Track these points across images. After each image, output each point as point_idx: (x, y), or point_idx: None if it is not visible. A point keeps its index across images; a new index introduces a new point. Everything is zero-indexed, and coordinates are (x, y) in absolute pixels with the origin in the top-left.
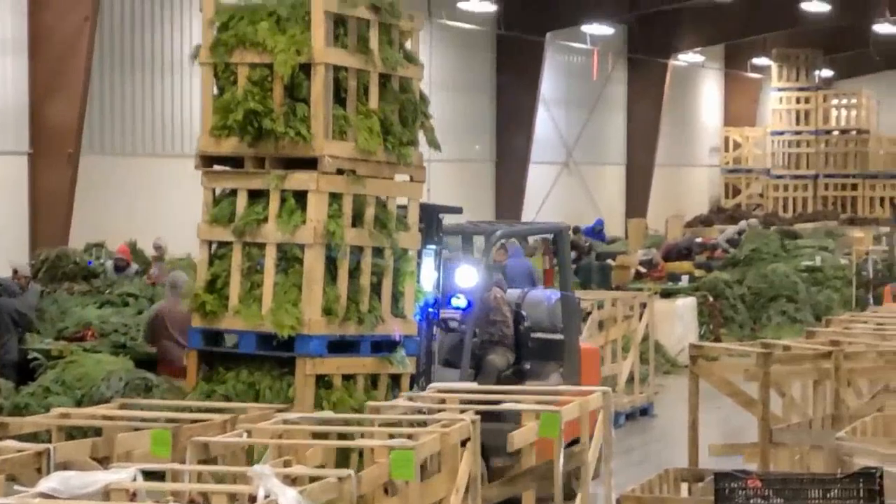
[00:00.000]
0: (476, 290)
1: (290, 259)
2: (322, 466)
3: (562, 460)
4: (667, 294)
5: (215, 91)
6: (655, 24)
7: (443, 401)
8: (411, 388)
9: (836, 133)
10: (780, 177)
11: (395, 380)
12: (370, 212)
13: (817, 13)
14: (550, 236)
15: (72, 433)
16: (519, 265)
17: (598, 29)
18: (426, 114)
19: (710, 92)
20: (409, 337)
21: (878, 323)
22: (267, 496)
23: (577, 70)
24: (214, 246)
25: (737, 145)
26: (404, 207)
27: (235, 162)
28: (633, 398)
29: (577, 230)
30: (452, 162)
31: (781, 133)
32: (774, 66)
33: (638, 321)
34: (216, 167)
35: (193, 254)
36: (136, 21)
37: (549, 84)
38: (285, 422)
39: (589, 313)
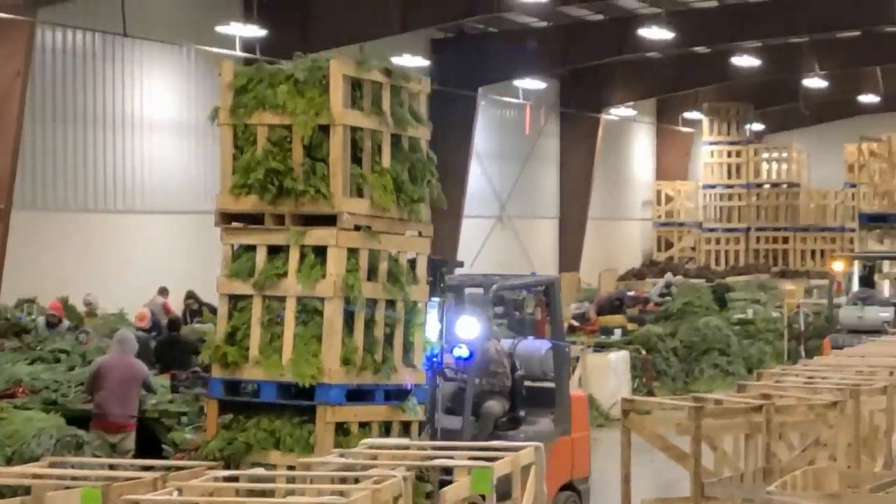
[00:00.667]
0: (477, 341)
1: (309, 311)
2: None
3: None
4: (600, 347)
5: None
6: (587, 79)
7: (375, 457)
8: (419, 434)
9: (767, 186)
10: (712, 230)
11: (405, 426)
12: (384, 266)
13: (748, 68)
14: (542, 289)
15: (1, 492)
16: None
17: (530, 83)
18: (433, 172)
19: (642, 145)
20: (419, 385)
21: (809, 376)
22: None
23: (509, 124)
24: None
25: (669, 199)
26: (411, 261)
27: (254, 219)
28: None
29: None
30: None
31: (713, 186)
32: (706, 120)
33: (571, 375)
34: (234, 224)
35: (126, 308)
36: (69, 77)
37: (482, 138)
38: (216, 479)
39: None
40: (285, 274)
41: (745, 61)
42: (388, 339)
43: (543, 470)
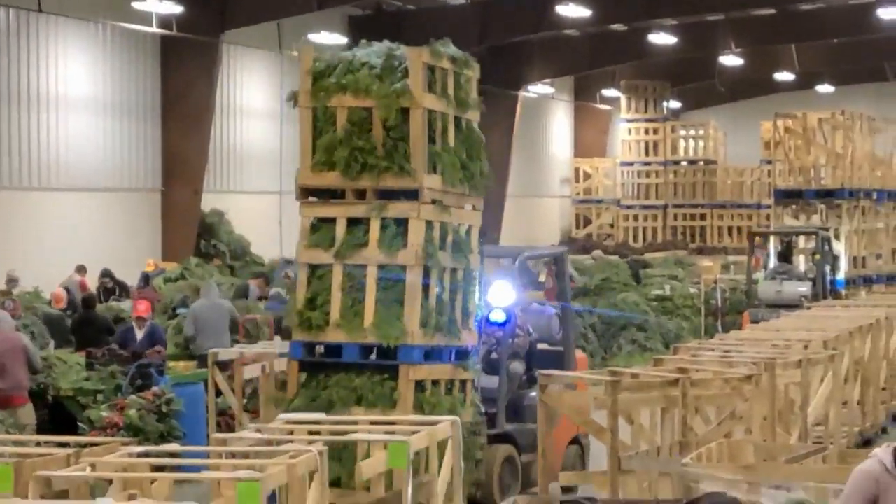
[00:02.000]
0: (511, 306)
1: (389, 278)
2: (168, 500)
3: (410, 490)
4: None
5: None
6: (505, 56)
7: (291, 432)
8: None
9: (684, 164)
10: (629, 207)
11: (462, 384)
12: (450, 237)
13: (664, 46)
14: (553, 259)
15: None
16: None
17: None
18: (483, 150)
19: (560, 123)
20: (474, 347)
21: (725, 350)
22: None
23: None
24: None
25: (587, 176)
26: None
27: (332, 194)
28: None
29: None
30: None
31: (631, 164)
32: (623, 98)
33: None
34: (310, 199)
35: (42, 286)
36: None
37: None
38: (130, 455)
39: None
40: (366, 244)
41: (661, 39)
42: (452, 304)
43: (460, 444)
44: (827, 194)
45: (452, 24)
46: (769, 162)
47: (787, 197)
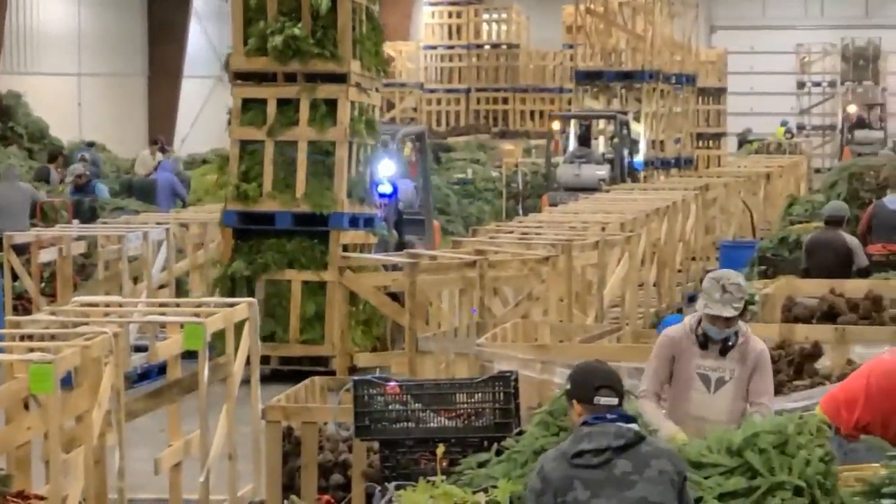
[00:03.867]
0: (395, 178)
1: (319, 153)
2: None
3: (207, 371)
4: None
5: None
6: None
7: (86, 314)
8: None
9: (487, 47)
10: (433, 91)
11: (369, 248)
12: (365, 117)
13: None
14: (415, 137)
15: None
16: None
17: None
18: (382, 38)
19: None
20: (378, 215)
21: (524, 233)
22: None
23: None
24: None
25: (390, 59)
26: None
27: (260, 77)
28: None
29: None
30: (103, 76)
31: (434, 47)
32: None
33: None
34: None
35: None
36: None
37: None
38: None
39: None
40: (296, 122)
41: None
42: (364, 177)
43: (257, 325)
44: (626, 76)
45: None
46: (571, 46)
47: (587, 79)
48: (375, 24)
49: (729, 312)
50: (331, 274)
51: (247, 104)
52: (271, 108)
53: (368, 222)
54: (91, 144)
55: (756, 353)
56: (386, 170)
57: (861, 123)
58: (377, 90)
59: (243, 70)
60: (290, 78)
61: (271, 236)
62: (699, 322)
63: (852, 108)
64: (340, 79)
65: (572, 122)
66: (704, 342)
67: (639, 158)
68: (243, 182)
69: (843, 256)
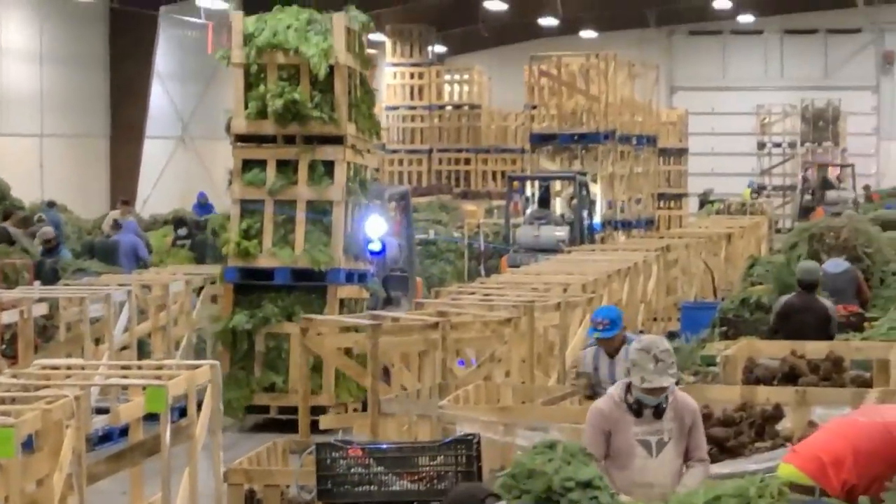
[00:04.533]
0: (384, 237)
1: (317, 212)
2: None
3: (169, 434)
4: None
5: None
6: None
7: (48, 377)
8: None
9: (449, 108)
10: (395, 151)
11: (363, 303)
12: (359, 177)
13: None
14: (399, 196)
15: None
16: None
17: (212, 3)
18: (374, 103)
19: None
20: (370, 271)
21: (486, 294)
22: None
23: (192, 44)
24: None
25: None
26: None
27: (260, 139)
28: None
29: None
30: (66, 137)
31: (396, 108)
32: (389, 42)
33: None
34: (240, 144)
35: None
36: None
37: (164, 58)
38: None
39: (202, 288)
40: (295, 182)
41: None
42: (358, 234)
43: (220, 387)
44: (581, 138)
45: None
46: (534, 107)
47: (542, 141)
48: (368, 89)
49: (667, 381)
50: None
51: (246, 164)
52: (271, 169)
53: (362, 278)
54: (52, 204)
55: (691, 409)
56: (376, 228)
57: (828, 184)
58: (370, 151)
59: (244, 132)
60: (289, 140)
61: (271, 291)
62: (627, 390)
63: (815, 170)
64: (337, 141)
65: (529, 182)
66: (638, 409)
67: (597, 219)
68: (244, 239)
69: (823, 322)
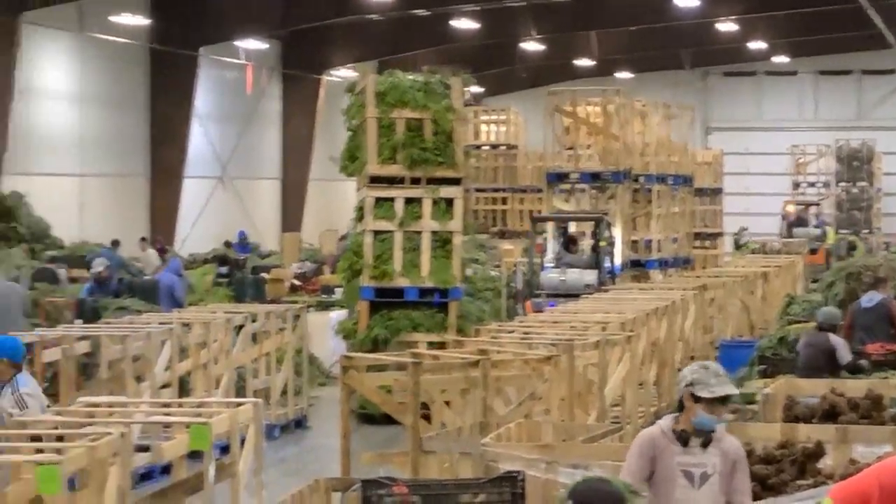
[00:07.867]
0: None
1: (439, 241)
2: None
3: (213, 472)
4: (322, 307)
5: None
6: (308, 40)
7: (91, 415)
8: None
9: (486, 148)
10: None
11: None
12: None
13: (466, 31)
14: None
15: None
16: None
17: (251, 44)
18: None
19: None
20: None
21: (525, 332)
22: None
23: (231, 85)
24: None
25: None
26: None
27: (389, 181)
28: (287, 410)
29: (227, 244)
30: (105, 177)
31: None
32: None
33: (291, 333)
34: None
35: None
36: None
37: (203, 99)
38: None
39: (241, 326)
40: (420, 216)
41: (463, 24)
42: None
43: (262, 426)
44: (595, 177)
45: (256, 7)
46: (571, 148)
47: (557, 180)
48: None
49: (732, 389)
50: (449, 335)
51: (377, 203)
52: (399, 205)
53: (469, 296)
54: (116, 243)
55: (735, 448)
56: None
57: (801, 222)
58: (467, 190)
59: (379, 175)
60: (415, 181)
61: (398, 307)
62: (675, 420)
63: (790, 208)
64: (455, 182)
65: (550, 224)
66: (686, 439)
67: (617, 261)
68: (377, 265)
69: (826, 354)
